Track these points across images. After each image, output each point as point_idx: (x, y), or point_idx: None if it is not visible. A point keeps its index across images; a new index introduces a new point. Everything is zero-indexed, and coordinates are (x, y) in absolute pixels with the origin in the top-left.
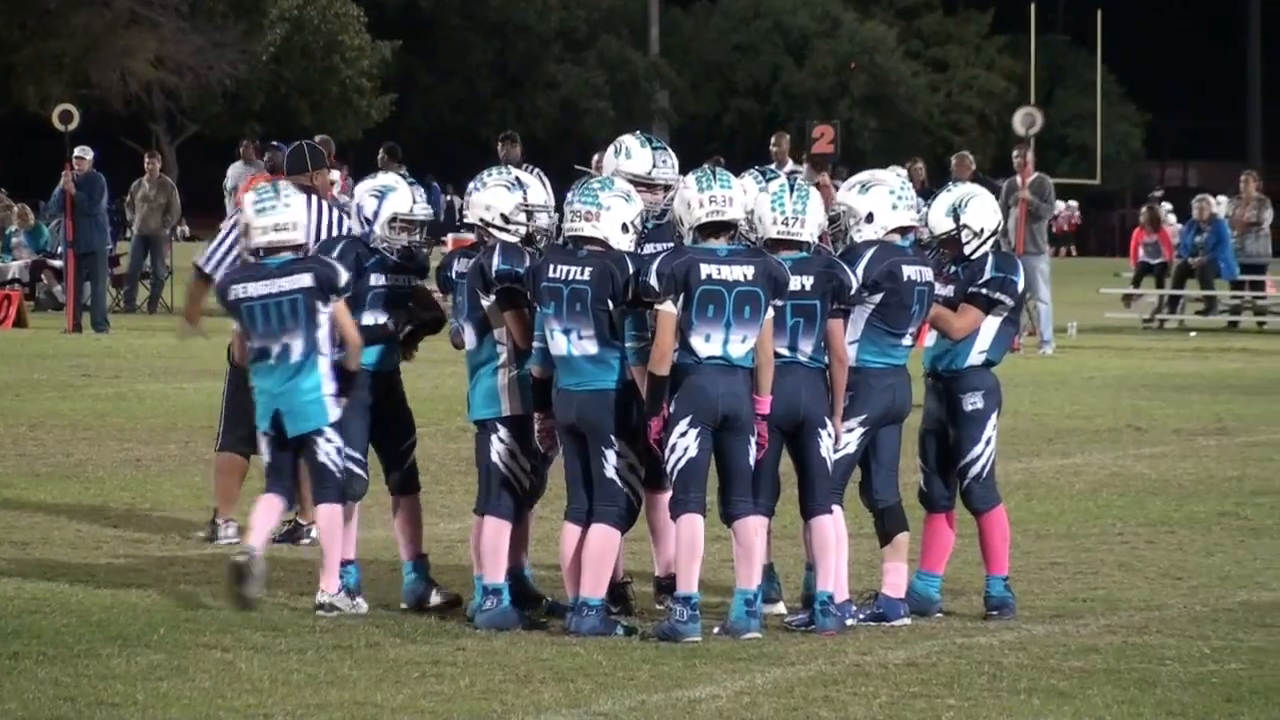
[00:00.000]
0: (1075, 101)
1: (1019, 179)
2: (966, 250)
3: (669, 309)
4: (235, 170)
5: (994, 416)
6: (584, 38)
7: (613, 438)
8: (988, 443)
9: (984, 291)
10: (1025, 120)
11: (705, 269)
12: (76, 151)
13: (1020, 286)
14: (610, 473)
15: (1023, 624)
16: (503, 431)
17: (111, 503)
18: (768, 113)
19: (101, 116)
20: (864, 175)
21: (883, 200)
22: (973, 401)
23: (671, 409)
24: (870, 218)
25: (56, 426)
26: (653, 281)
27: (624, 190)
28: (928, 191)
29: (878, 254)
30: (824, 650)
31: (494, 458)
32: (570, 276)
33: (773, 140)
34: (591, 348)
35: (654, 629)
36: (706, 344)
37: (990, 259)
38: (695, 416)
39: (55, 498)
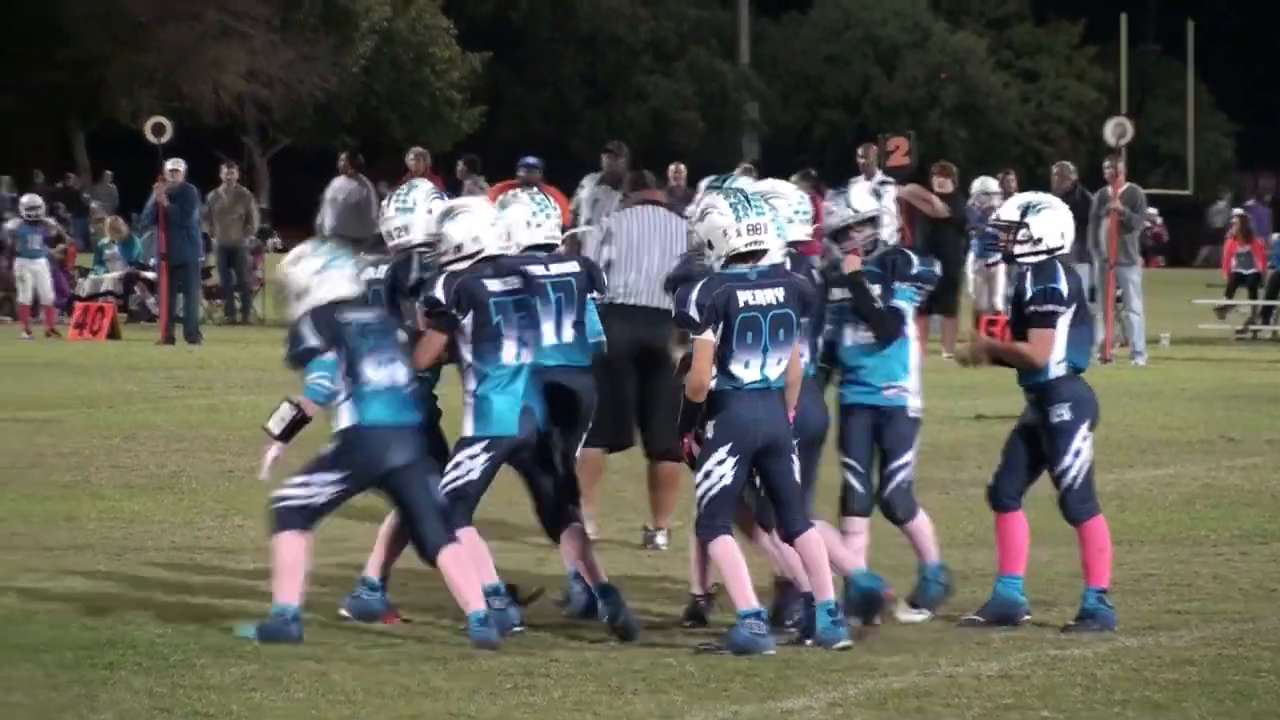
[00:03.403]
0: (1166, 111)
1: (1110, 190)
2: (1016, 250)
3: (708, 338)
4: (338, 184)
5: (1083, 427)
6: (673, 49)
7: None
8: (1077, 454)
9: (1033, 309)
10: (1116, 130)
11: (742, 296)
12: (169, 164)
13: (1065, 287)
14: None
15: (1117, 635)
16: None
17: (205, 514)
18: (857, 123)
19: (193, 129)
20: (766, 185)
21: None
22: (1059, 414)
23: (710, 434)
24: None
25: (150, 438)
26: (693, 313)
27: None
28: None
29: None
30: (916, 661)
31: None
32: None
33: (860, 152)
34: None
35: (727, 643)
36: (746, 370)
37: (1029, 275)
38: (735, 445)
39: (149, 509)
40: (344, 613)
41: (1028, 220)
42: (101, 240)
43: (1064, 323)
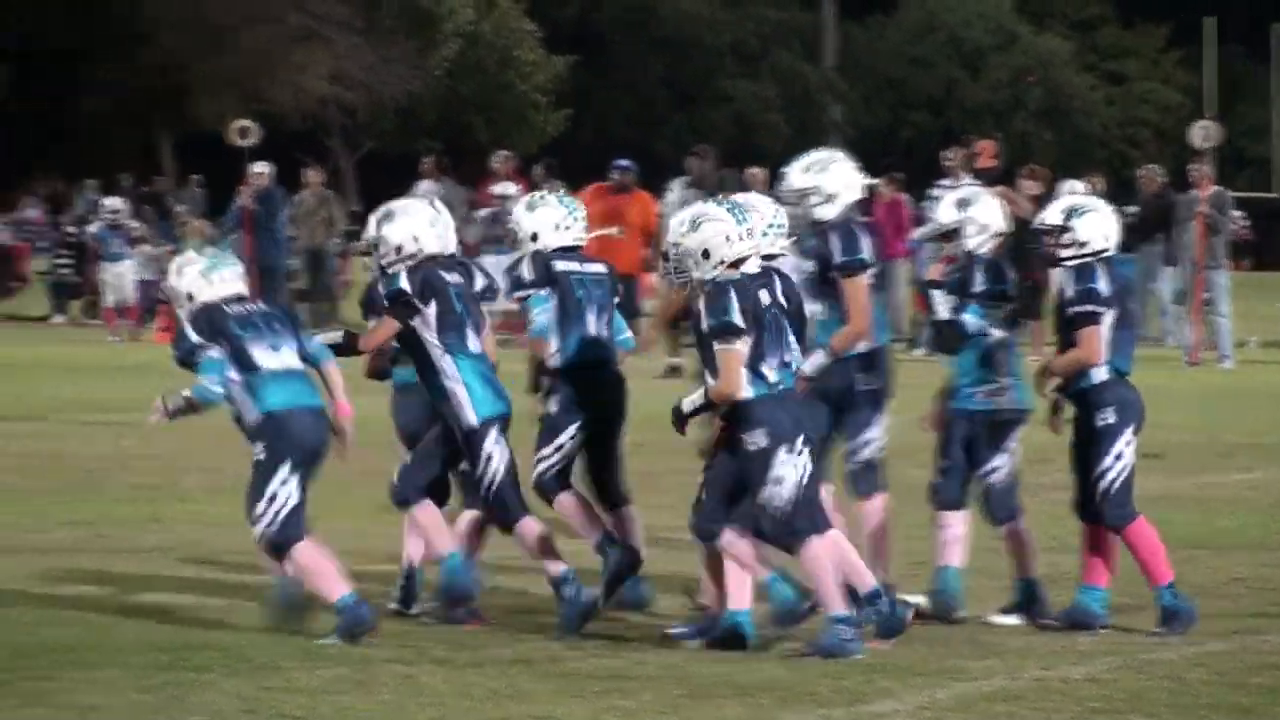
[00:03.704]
0: (1252, 114)
1: (1197, 193)
2: (1061, 254)
3: (741, 347)
4: (425, 188)
5: (1128, 431)
6: (756, 51)
7: None
8: (1118, 457)
9: (1075, 310)
10: (1202, 134)
11: (764, 297)
12: (254, 167)
13: (1106, 288)
14: None
15: (1205, 640)
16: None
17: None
18: (942, 126)
19: (277, 132)
20: (741, 196)
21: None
22: (1104, 417)
23: (765, 442)
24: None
25: (235, 440)
26: (737, 320)
27: None
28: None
29: None
30: (1004, 665)
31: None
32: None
33: (948, 154)
34: None
35: (815, 647)
36: (776, 371)
37: (1069, 277)
38: (792, 446)
39: (235, 512)
40: (424, 617)
41: (1071, 224)
42: (186, 244)
43: (1106, 325)
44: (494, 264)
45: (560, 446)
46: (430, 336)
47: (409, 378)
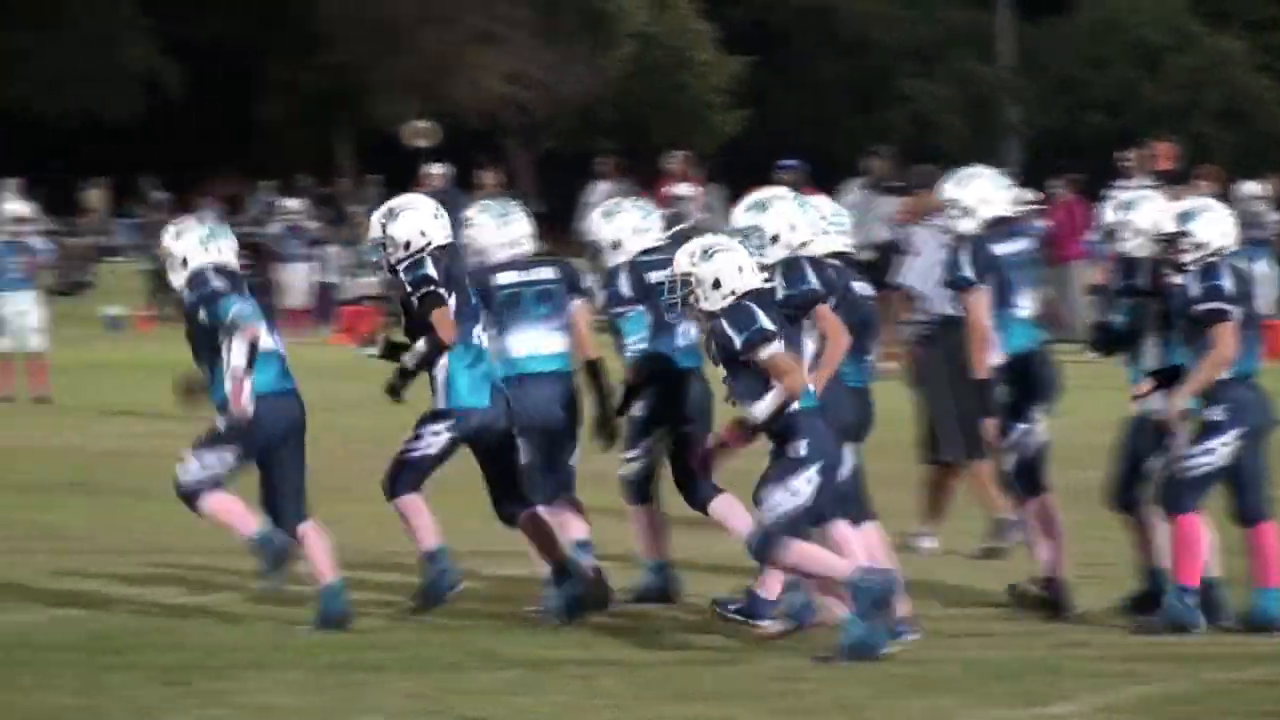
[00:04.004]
0: None
1: None
2: (1184, 260)
3: (780, 346)
4: (603, 189)
5: (1233, 433)
6: (934, 52)
7: None
8: (1208, 452)
9: (1202, 310)
10: None
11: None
12: (432, 168)
13: (1230, 285)
14: None
15: None
16: None
17: (468, 516)
18: (1119, 127)
19: (454, 133)
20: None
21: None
22: (1212, 413)
23: (804, 453)
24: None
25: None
26: (768, 325)
27: None
28: None
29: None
30: (1185, 669)
31: None
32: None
33: (1125, 155)
34: None
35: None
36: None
37: (1194, 276)
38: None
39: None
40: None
41: (1188, 228)
42: (363, 245)
43: (1235, 322)
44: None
45: (646, 450)
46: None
47: (535, 368)
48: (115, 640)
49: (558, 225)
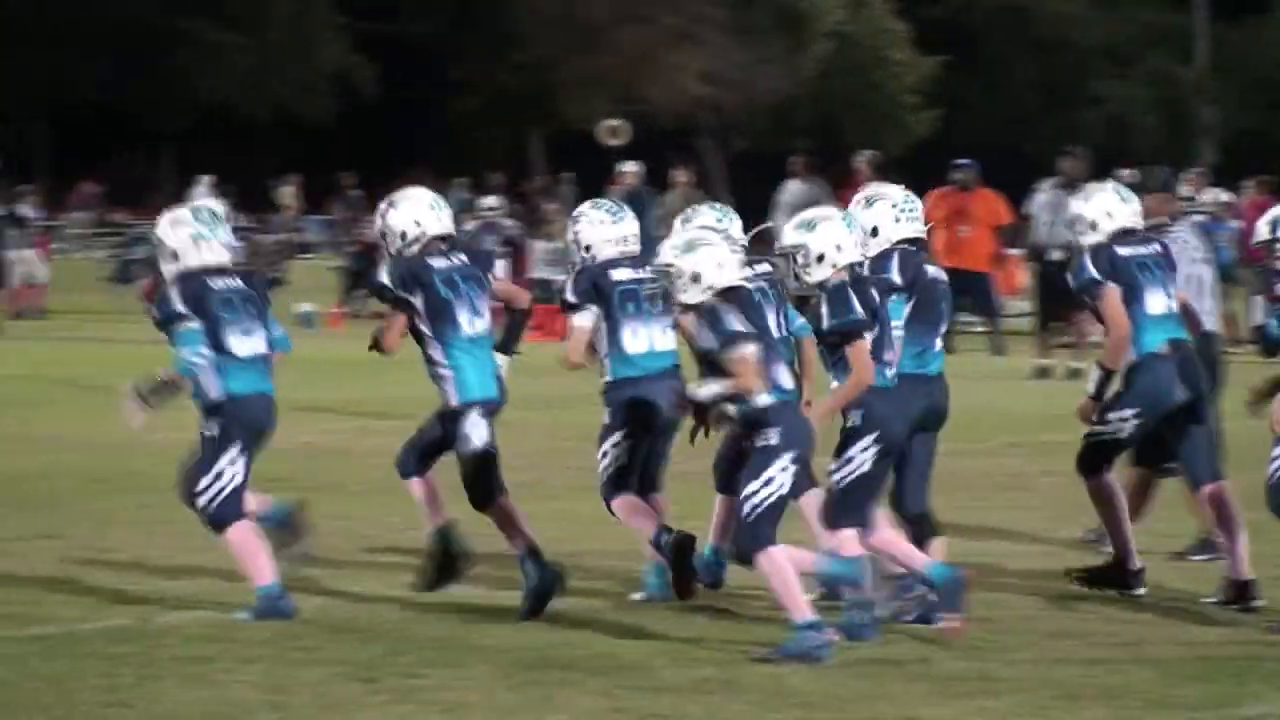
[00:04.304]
0: None
1: None
2: (1277, 265)
3: (751, 348)
4: (793, 188)
5: None
6: (1129, 53)
7: None
8: None
9: None
10: None
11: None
12: (625, 166)
13: None
14: None
15: None
16: None
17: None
18: None
19: (648, 132)
20: (870, 190)
21: (887, 214)
22: None
23: (775, 441)
24: (875, 232)
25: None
26: (738, 327)
27: None
28: None
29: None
30: None
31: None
32: None
33: None
34: None
35: (782, 652)
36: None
37: None
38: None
39: (603, 510)
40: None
41: (1277, 235)
42: (555, 242)
43: None
44: None
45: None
46: (422, 326)
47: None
48: (305, 635)
49: (747, 225)
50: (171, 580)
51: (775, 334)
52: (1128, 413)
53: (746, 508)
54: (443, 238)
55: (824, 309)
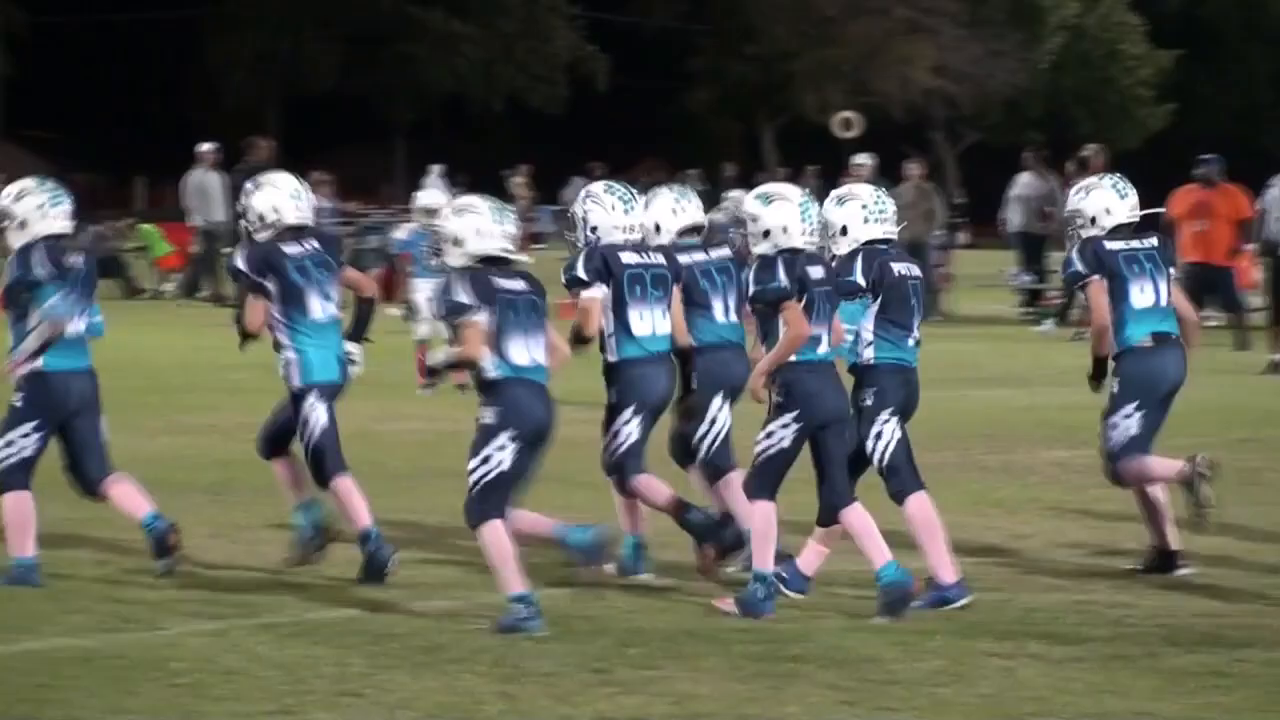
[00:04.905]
0: None
1: None
2: None
3: (478, 319)
4: (1025, 180)
5: None
6: None
7: None
8: None
9: None
10: None
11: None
12: (858, 159)
13: None
14: None
15: None
16: None
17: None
18: None
19: (881, 124)
20: (843, 189)
21: (856, 214)
22: None
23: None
24: (844, 230)
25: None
26: (465, 299)
27: None
28: None
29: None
30: None
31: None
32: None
33: None
34: None
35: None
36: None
37: None
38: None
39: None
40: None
41: None
42: None
43: None
44: None
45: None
46: (273, 310)
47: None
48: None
49: (978, 216)
50: (402, 570)
51: (724, 319)
52: None
53: (469, 481)
54: (298, 228)
55: (750, 276)
